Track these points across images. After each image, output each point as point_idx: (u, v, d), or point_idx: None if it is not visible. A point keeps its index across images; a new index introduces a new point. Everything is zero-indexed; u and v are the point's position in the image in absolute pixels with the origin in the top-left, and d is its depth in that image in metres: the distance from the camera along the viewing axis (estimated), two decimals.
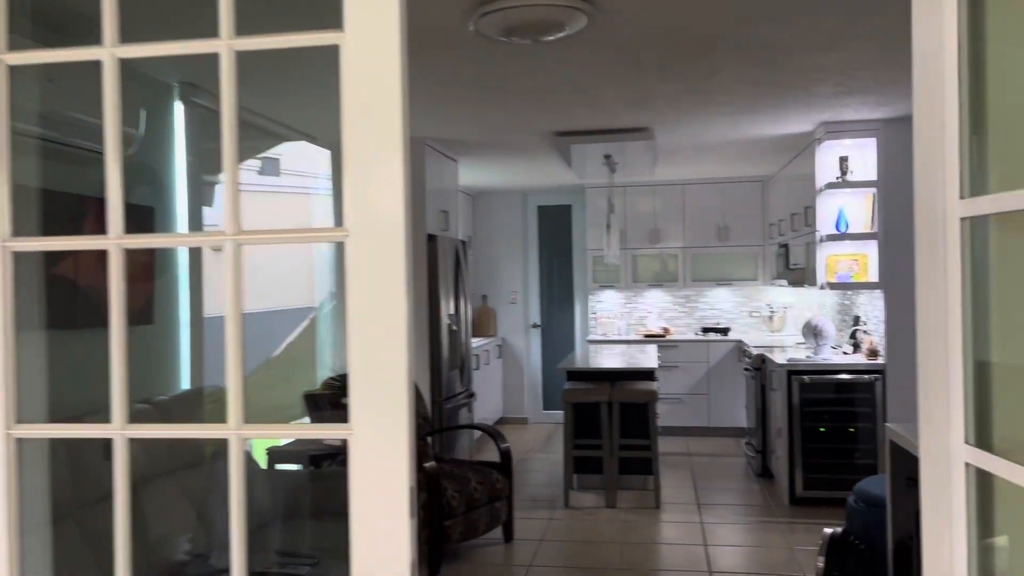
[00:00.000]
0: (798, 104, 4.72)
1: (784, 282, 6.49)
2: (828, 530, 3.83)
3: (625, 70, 3.90)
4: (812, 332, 5.57)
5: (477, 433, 7.28)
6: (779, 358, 5.65)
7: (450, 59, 3.68)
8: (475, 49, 3.49)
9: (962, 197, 1.31)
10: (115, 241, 1.43)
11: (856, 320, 5.76)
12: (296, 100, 4.38)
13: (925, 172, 1.37)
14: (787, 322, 8.01)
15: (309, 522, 3.67)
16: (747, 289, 8.25)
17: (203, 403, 3.74)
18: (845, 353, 5.72)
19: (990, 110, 1.33)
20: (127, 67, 1.40)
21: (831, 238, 5.38)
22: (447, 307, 5.69)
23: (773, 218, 7.57)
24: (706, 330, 8.09)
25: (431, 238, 5.53)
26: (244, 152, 5.42)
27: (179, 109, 3.91)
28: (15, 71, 1.44)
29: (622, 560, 4.48)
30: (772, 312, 8.01)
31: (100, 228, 1.46)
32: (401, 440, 1.58)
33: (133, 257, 1.57)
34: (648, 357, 6.34)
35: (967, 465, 1.28)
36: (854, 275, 5.43)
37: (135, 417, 1.47)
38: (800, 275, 6.14)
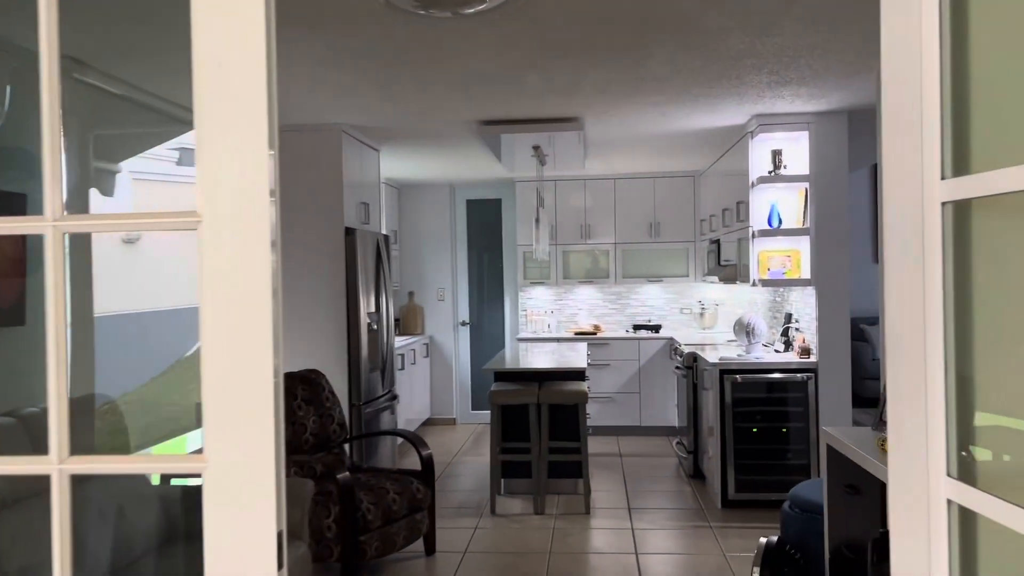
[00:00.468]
0: (731, 95, 4.56)
1: (715, 279, 6.37)
2: (763, 539, 3.66)
3: (551, 53, 3.66)
4: (744, 330, 5.44)
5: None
6: (711, 356, 5.51)
7: (362, 35, 3.37)
8: (390, 24, 3.20)
9: (943, 178, 1.09)
10: None
11: (788, 318, 5.66)
12: None
13: (897, 151, 1.14)
14: (718, 319, 7.92)
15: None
16: (678, 286, 8.14)
17: (88, 415, 3.36)
18: (777, 351, 5.61)
19: (974, 75, 1.12)
20: None
21: (763, 234, 5.26)
22: (367, 304, 5.36)
23: (704, 214, 7.46)
24: (637, 327, 7.94)
25: (349, 231, 5.20)
26: (148, 139, 5.01)
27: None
28: None
29: (550, 572, 4.25)
30: (703, 309, 7.91)
31: None
32: (266, 474, 1.29)
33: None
34: (578, 356, 6.14)
35: (949, 503, 1.06)
36: (787, 271, 5.31)
37: None
38: (732, 271, 6.02)
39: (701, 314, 7.87)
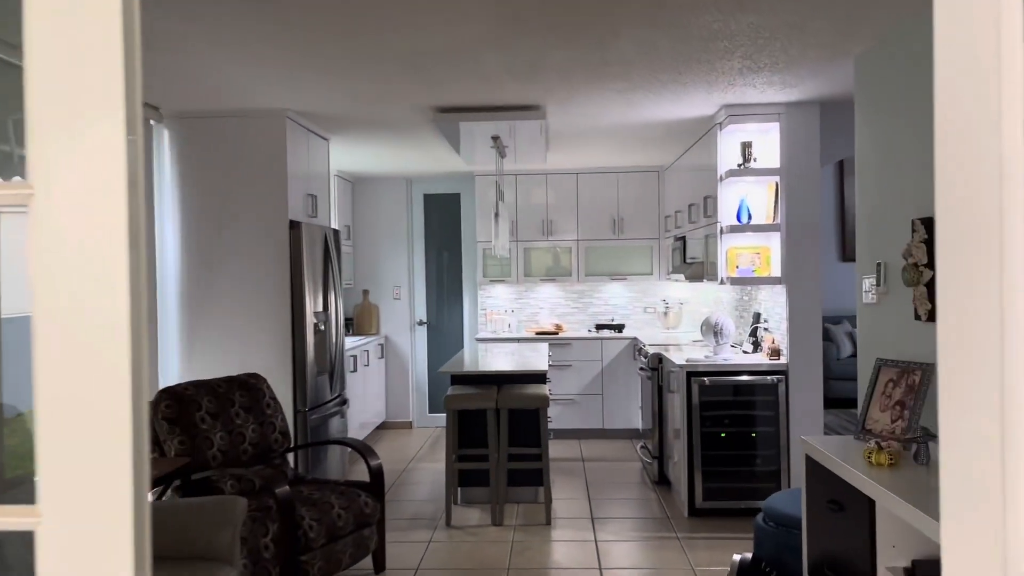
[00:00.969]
0: (700, 83, 4.31)
1: (681, 277, 6.14)
2: (736, 556, 3.42)
3: (509, 29, 3.36)
4: (711, 330, 5.21)
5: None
6: (677, 358, 5.27)
7: (305, 5, 3.05)
8: None
9: None
10: None
11: (757, 317, 5.44)
12: None
13: (962, 104, 0.85)
14: (683, 318, 7.71)
15: None
16: (642, 284, 7.91)
17: None
18: (745, 352, 5.39)
19: None
20: None
21: (732, 230, 5.03)
22: (313, 303, 5.02)
23: (669, 210, 7.23)
24: (600, 327, 7.70)
25: (294, 225, 4.85)
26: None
27: None
28: None
29: None
30: (667, 308, 7.69)
31: None
32: (121, 528, 0.97)
33: None
34: (539, 356, 5.86)
35: None
36: (756, 269, 5.09)
37: None
38: (699, 269, 5.79)
39: (665, 313, 7.65)
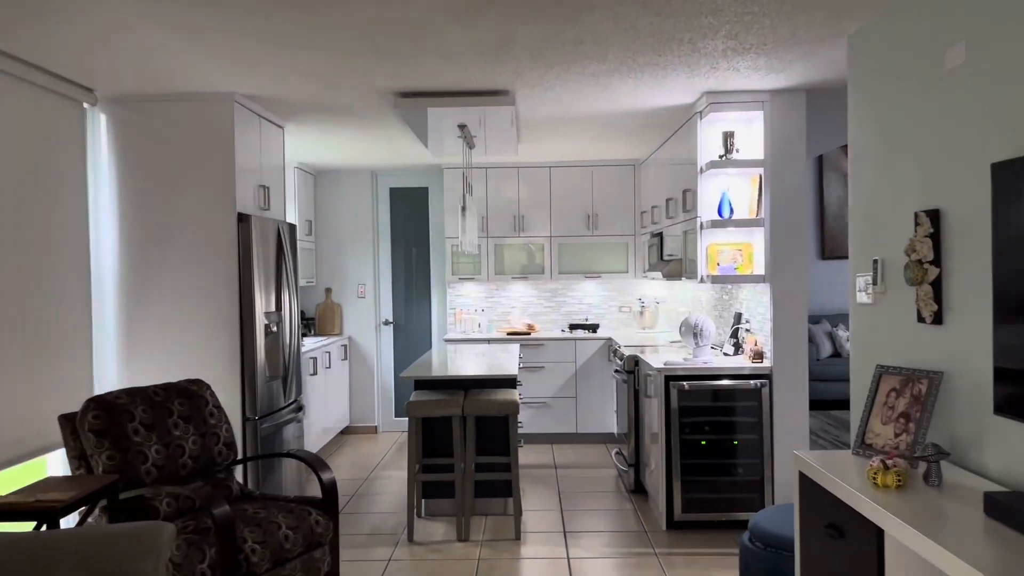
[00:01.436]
0: (681, 66, 4.01)
1: (658, 275, 5.85)
2: None
3: (476, 1, 3.03)
4: (691, 331, 4.92)
5: (315, 451, 6.25)
6: (654, 360, 4.97)
7: None
8: None
9: None
10: None
11: (738, 318, 5.16)
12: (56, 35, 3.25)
13: None
14: (659, 318, 7.43)
15: None
16: (617, 282, 7.62)
17: None
18: (726, 355, 5.11)
19: None
20: None
21: (714, 225, 4.74)
22: (265, 303, 4.65)
23: (646, 205, 6.94)
24: (574, 327, 7.39)
25: (243, 218, 4.48)
26: None
27: None
28: None
29: None
30: (643, 307, 7.40)
31: None
32: None
33: None
34: (510, 359, 5.54)
35: None
36: (738, 267, 4.80)
37: None
38: (677, 267, 5.49)
39: (641, 312, 7.36)
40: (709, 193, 4.87)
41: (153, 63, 3.86)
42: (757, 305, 4.87)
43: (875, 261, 3.15)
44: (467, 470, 4.68)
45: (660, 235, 6.20)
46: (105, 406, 3.54)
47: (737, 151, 4.73)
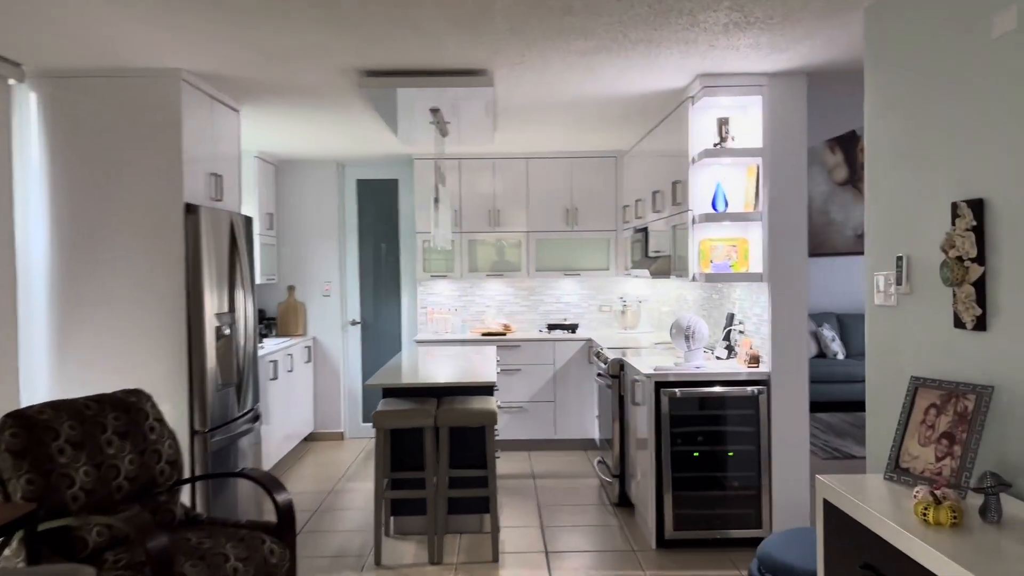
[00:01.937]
0: (676, 43, 3.64)
1: (645, 272, 5.49)
2: None
3: None
4: (682, 333, 4.56)
5: (272, 463, 5.82)
6: (641, 364, 4.61)
7: None
8: None
9: None
10: None
11: (730, 319, 4.82)
12: None
13: None
14: (641, 317, 7.08)
15: None
16: (597, 280, 7.26)
17: None
18: (719, 358, 4.77)
19: None
20: None
21: (708, 219, 4.38)
22: (216, 303, 4.21)
23: (628, 199, 6.59)
24: (552, 327, 7.02)
25: (191, 209, 4.04)
26: None
27: None
28: None
29: None
30: (625, 306, 7.05)
31: None
32: None
33: None
34: (486, 362, 5.15)
35: None
36: (733, 264, 4.46)
37: None
38: (665, 264, 5.14)
39: (623, 312, 7.01)
40: (701, 185, 4.52)
41: (88, 34, 3.41)
42: (753, 305, 4.52)
43: (899, 258, 2.80)
44: (440, 485, 4.28)
45: (645, 230, 5.85)
46: (25, 422, 3.09)
47: (732, 139, 4.38)
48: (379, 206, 7.43)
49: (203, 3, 3.06)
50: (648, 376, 4.33)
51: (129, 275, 3.97)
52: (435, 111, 4.65)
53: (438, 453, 4.28)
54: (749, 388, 4.28)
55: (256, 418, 4.77)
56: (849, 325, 8.62)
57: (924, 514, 1.97)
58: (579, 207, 6.99)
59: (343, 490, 5.65)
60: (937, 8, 2.60)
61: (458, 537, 4.59)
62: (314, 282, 7.28)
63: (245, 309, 4.59)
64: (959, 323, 2.43)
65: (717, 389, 4.29)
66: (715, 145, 4.38)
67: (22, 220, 3.94)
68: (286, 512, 3.36)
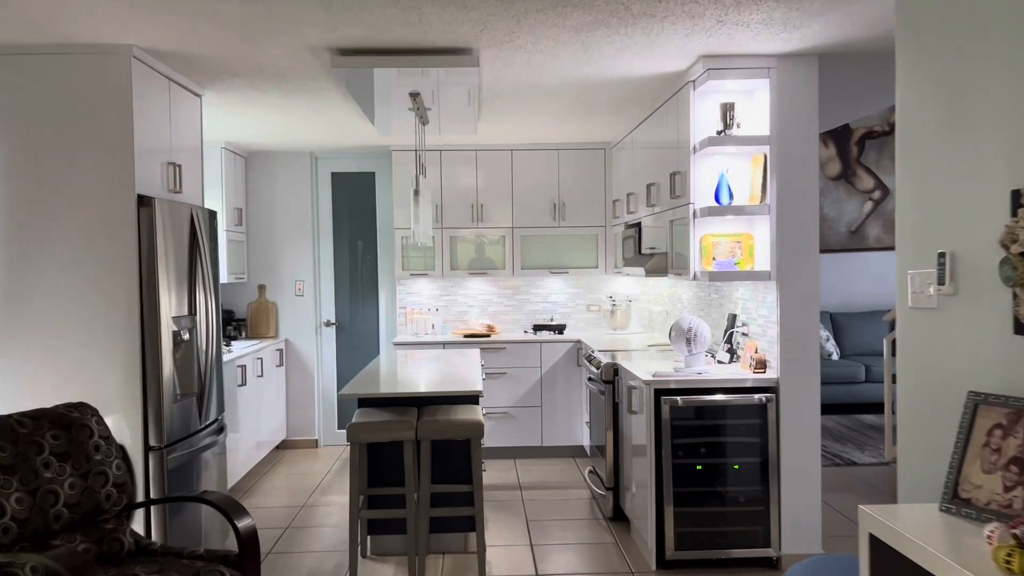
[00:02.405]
0: (681, 18, 3.31)
1: (640, 270, 5.15)
2: None
3: None
4: (683, 336, 4.23)
5: (236, 479, 5.43)
6: (637, 369, 4.28)
7: None
8: None
9: None
10: None
11: (732, 320, 4.50)
12: None
13: None
14: (631, 317, 6.76)
15: None
16: (585, 278, 6.93)
17: None
18: (721, 363, 4.45)
19: None
20: None
21: (711, 212, 4.05)
22: (174, 305, 3.82)
23: (619, 192, 6.25)
24: (538, 328, 6.68)
25: (145, 201, 3.64)
26: None
27: None
28: None
29: None
30: (615, 306, 6.72)
31: None
32: None
33: None
34: (471, 366, 4.79)
35: None
36: (739, 262, 4.13)
37: None
38: (661, 262, 4.81)
39: (612, 312, 6.68)
40: (703, 176, 4.19)
41: (25, 5, 3.01)
42: (758, 306, 4.20)
43: (941, 255, 2.48)
44: (421, 502, 3.92)
45: (637, 226, 5.52)
46: None
47: (738, 126, 4.05)
48: (355, 200, 7.05)
49: None
50: (647, 383, 3.99)
51: (75, 274, 3.57)
52: (415, 96, 4.28)
53: (419, 468, 3.92)
54: (756, 396, 3.96)
55: (220, 430, 4.38)
56: (843, 324, 8.35)
57: (1008, 561, 1.64)
58: (566, 202, 6.64)
59: (317, 504, 5.27)
60: None
61: (441, 557, 4.24)
62: (286, 281, 6.88)
63: (208, 311, 4.20)
64: (1020, 328, 2.11)
65: (722, 397, 3.97)
66: (719, 133, 4.05)
67: None
68: (248, 540, 2.99)
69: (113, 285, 3.58)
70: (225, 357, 5.29)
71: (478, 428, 3.86)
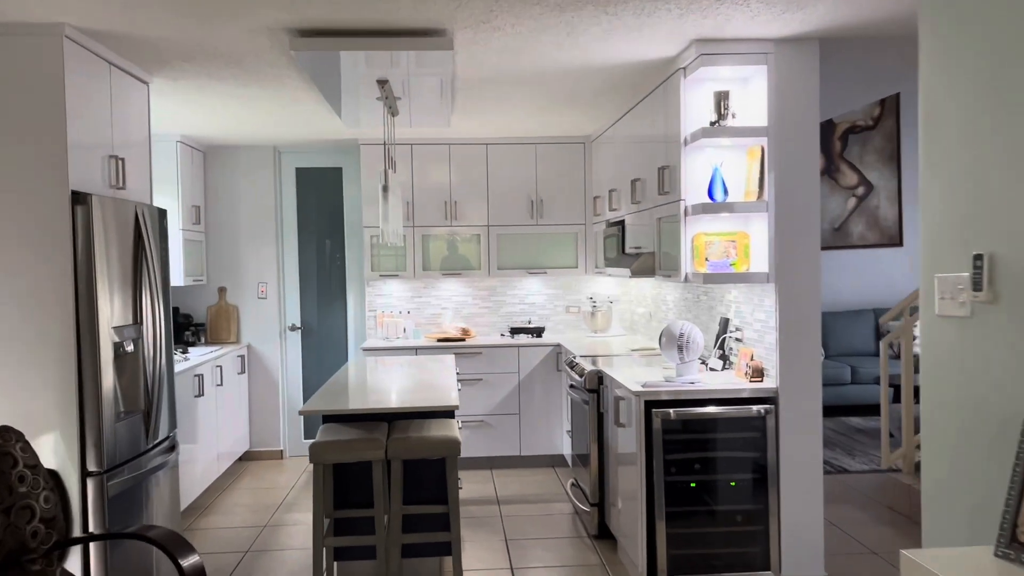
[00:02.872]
0: None
1: (625, 271, 4.85)
2: None
3: None
4: (675, 342, 3.93)
5: (187, 498, 5.04)
6: (623, 377, 3.99)
7: None
8: None
9: None
10: None
11: (725, 324, 4.22)
12: None
13: None
14: (612, 320, 6.47)
15: None
16: (563, 279, 6.62)
17: None
18: (713, 370, 4.16)
19: None
20: None
21: (705, 209, 3.76)
22: (116, 313, 3.45)
23: (600, 189, 5.96)
24: (515, 331, 6.36)
25: (80, 198, 3.26)
26: None
27: None
28: None
29: None
30: (595, 307, 6.43)
31: None
32: None
33: None
34: (445, 375, 4.46)
35: None
36: (734, 263, 3.85)
37: None
38: (648, 262, 4.51)
39: (592, 314, 6.38)
40: (696, 170, 3.90)
41: None
42: (754, 309, 3.92)
43: (978, 257, 2.20)
44: (392, 526, 3.58)
45: (621, 224, 5.22)
46: None
47: (733, 116, 3.76)
48: (321, 198, 6.68)
49: None
50: (636, 394, 3.69)
51: (0, 279, 3.19)
52: (383, 83, 3.94)
53: (390, 490, 3.58)
54: (755, 407, 3.67)
55: (172, 448, 4.01)
56: (827, 324, 8.13)
57: None
58: (544, 198, 6.33)
59: (281, 523, 4.91)
60: None
61: None
62: (248, 283, 6.50)
63: (156, 318, 3.82)
64: None
65: (717, 409, 3.68)
66: (712, 124, 3.76)
67: None
68: None
69: (44, 291, 3.20)
70: (181, 366, 4.92)
71: (454, 446, 3.53)
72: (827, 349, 8.10)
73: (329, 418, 3.88)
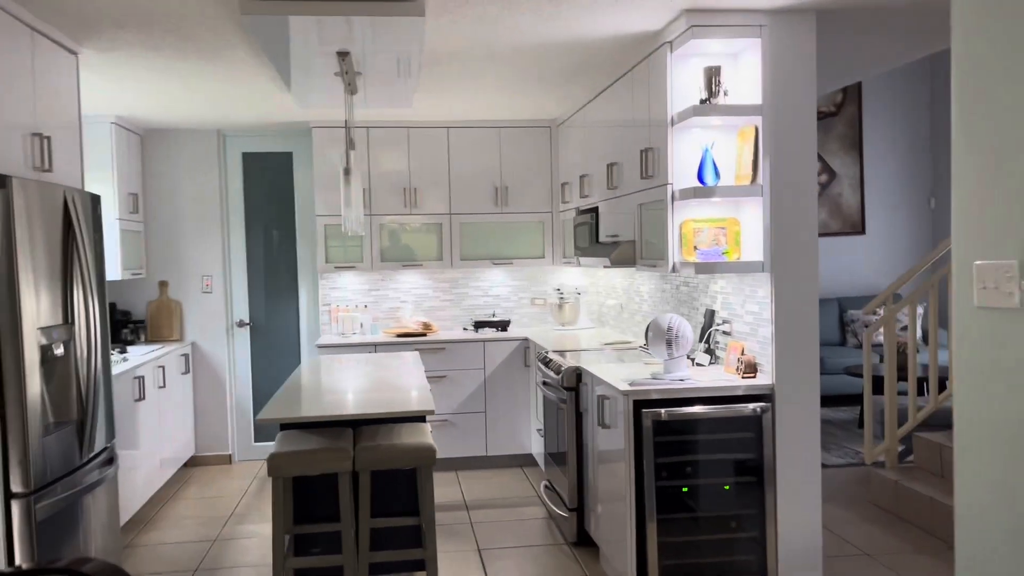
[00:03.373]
0: None
1: (604, 260, 4.57)
2: None
3: None
4: (663, 337, 3.66)
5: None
6: (605, 374, 3.72)
7: None
8: None
9: None
10: None
11: (711, 316, 3.98)
12: None
13: None
14: (580, 312, 6.20)
15: None
16: (529, 270, 6.34)
17: None
18: (700, 365, 3.92)
19: None
20: None
21: (695, 194, 3.50)
22: (43, 312, 3.03)
23: (569, 175, 5.67)
24: (479, 324, 6.05)
25: (0, 182, 2.85)
26: None
27: None
28: None
29: None
30: (563, 299, 6.15)
31: None
32: None
33: None
34: (411, 373, 4.14)
35: None
36: (726, 251, 3.60)
37: None
38: (628, 251, 4.25)
39: (559, 306, 6.11)
40: (684, 152, 3.64)
41: None
42: (745, 300, 3.69)
43: None
44: (361, 543, 3.25)
45: (594, 211, 4.95)
46: None
47: (725, 94, 3.50)
48: (270, 185, 6.26)
49: None
50: (625, 393, 3.42)
51: None
52: (343, 55, 3.58)
53: (357, 503, 3.25)
54: (750, 406, 3.44)
55: (110, 461, 3.61)
56: None
57: None
58: (509, 185, 6.03)
59: (232, 537, 4.53)
60: None
61: None
62: (192, 276, 6.05)
63: (90, 317, 3.41)
64: None
65: (710, 408, 3.43)
66: (702, 101, 3.50)
67: None
68: None
69: None
70: (119, 368, 4.49)
71: (429, 454, 3.21)
72: None
73: (287, 424, 3.52)
